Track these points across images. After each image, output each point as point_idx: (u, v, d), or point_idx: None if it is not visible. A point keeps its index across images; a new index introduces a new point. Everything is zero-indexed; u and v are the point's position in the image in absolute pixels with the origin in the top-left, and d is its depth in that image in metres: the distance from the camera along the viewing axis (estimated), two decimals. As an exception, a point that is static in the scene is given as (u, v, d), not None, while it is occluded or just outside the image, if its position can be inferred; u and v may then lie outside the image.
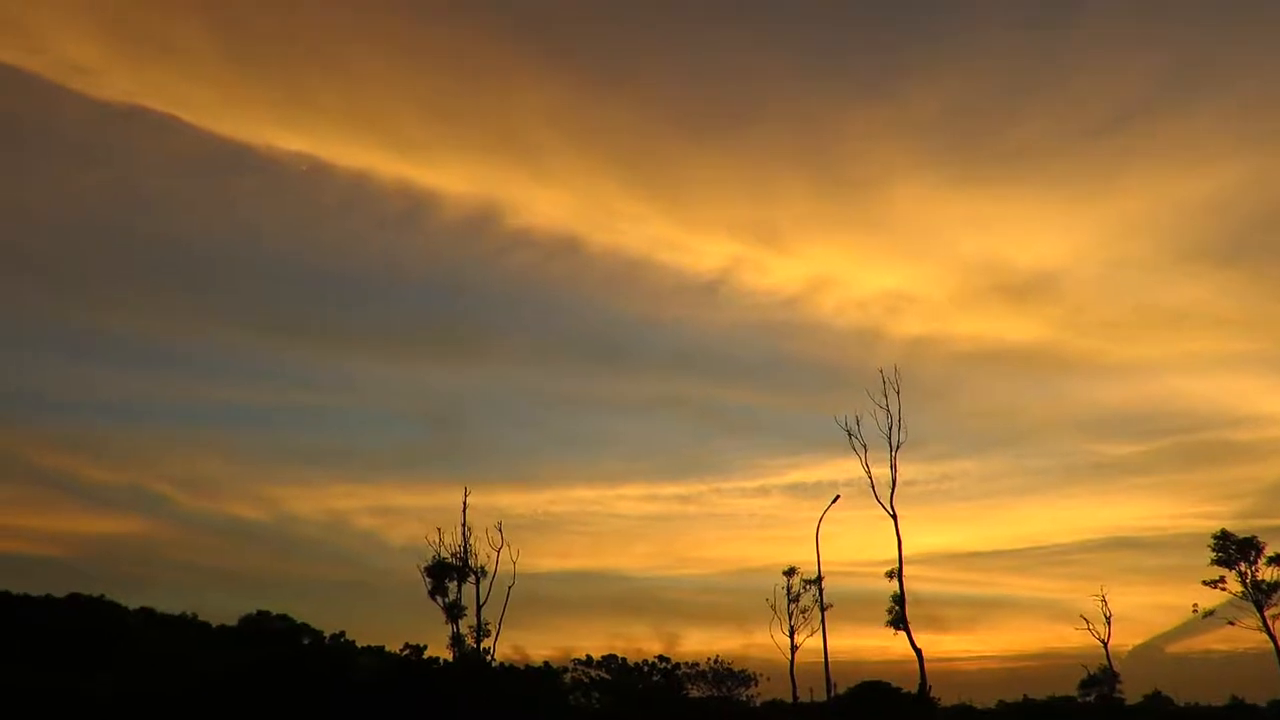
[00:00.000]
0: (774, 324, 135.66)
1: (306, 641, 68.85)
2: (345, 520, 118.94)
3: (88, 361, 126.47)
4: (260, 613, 70.54)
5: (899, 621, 40.83)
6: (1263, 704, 70.52)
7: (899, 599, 40.96)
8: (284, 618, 70.47)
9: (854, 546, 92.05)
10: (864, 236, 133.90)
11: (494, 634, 50.37)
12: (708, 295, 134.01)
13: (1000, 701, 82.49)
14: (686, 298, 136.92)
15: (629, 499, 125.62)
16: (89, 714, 46.12)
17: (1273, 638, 47.99)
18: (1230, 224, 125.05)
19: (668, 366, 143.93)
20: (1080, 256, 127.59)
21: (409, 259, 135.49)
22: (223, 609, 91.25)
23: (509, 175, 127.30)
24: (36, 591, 64.92)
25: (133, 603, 67.91)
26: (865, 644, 77.10)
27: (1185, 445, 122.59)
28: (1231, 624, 49.62)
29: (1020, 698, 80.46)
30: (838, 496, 45.26)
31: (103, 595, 67.04)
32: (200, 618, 70.51)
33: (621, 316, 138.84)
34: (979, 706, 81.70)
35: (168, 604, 78.90)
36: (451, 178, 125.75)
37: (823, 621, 49.72)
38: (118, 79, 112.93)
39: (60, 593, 65.47)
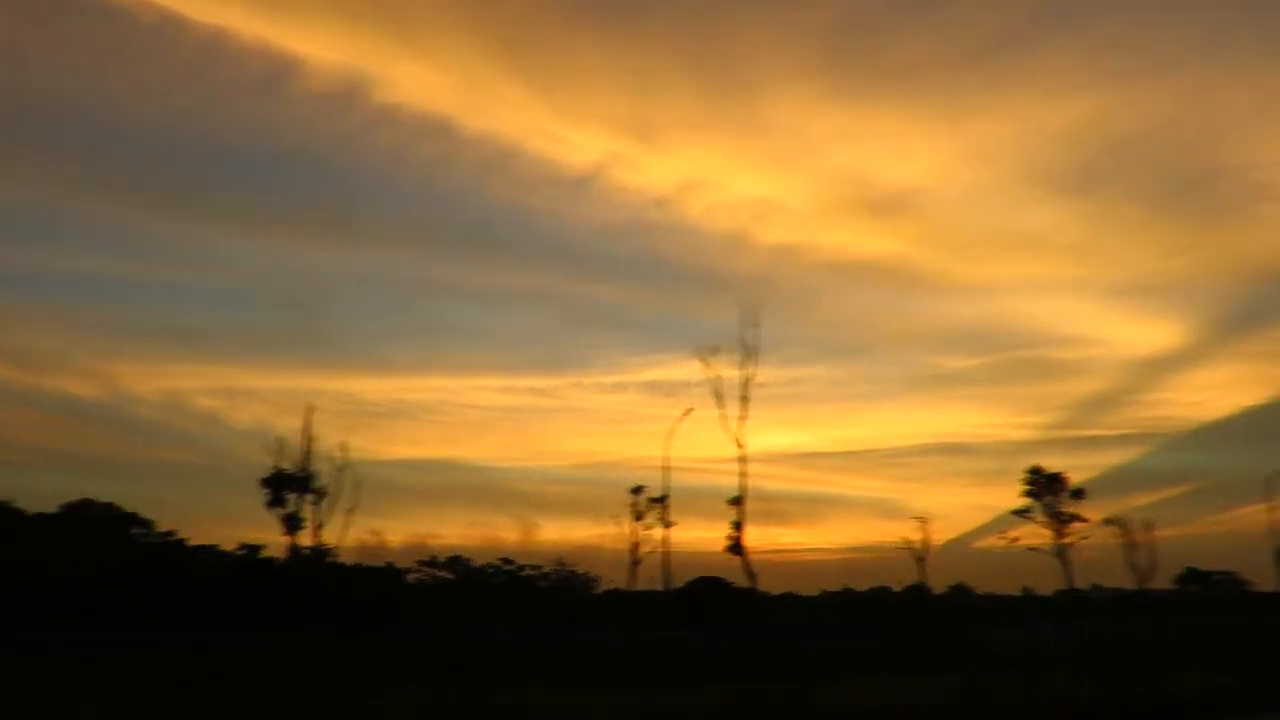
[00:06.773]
0: (644, 223, 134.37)
1: (134, 532, 65.97)
2: (186, 401, 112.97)
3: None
4: (84, 501, 66.87)
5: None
6: (1050, 594, 78.64)
7: (739, 497, 44.43)
8: (110, 506, 67.11)
9: (703, 445, 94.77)
10: (739, 141, 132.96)
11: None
12: (580, 189, 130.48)
13: (824, 591, 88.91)
14: (559, 190, 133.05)
15: (486, 390, 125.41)
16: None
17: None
18: (1081, 156, 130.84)
19: (536, 259, 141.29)
20: (942, 178, 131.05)
21: (270, 128, 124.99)
22: (48, 492, 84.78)
23: (381, 46, 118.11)
24: None
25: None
26: (709, 537, 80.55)
27: (1015, 361, 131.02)
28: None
29: (841, 587, 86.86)
30: (690, 409, 47.15)
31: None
32: (16, 504, 66.41)
33: (492, 204, 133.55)
34: (804, 595, 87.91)
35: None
36: (318, 43, 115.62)
37: (664, 517, 52.94)
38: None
39: None
